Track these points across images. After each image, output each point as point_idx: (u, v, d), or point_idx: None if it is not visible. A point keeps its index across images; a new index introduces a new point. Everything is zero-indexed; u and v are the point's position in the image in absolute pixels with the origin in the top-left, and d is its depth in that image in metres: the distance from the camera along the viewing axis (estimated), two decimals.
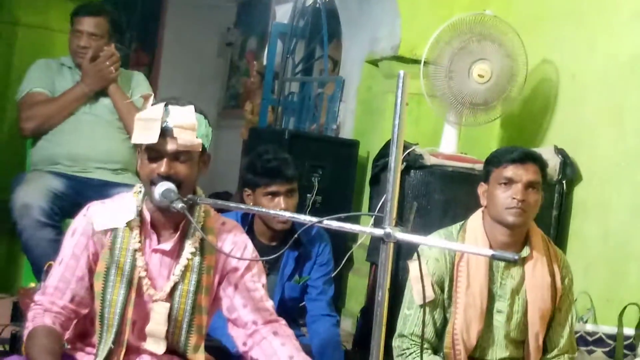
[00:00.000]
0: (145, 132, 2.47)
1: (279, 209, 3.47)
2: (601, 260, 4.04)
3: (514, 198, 2.96)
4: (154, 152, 2.50)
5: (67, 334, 2.63)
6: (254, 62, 8.69)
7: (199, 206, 2.59)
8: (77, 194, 3.87)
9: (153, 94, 2.55)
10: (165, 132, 2.48)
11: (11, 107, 4.39)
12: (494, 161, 3.05)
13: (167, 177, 2.48)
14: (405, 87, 1.95)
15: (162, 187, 2.43)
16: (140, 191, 2.62)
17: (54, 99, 4.10)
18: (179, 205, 2.40)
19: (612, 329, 3.73)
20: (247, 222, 3.64)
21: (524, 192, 2.96)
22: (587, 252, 4.13)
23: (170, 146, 2.49)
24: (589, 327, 3.75)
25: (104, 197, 2.74)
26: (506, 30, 4.35)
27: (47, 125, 4.07)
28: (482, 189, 3.10)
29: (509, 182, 2.98)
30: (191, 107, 2.54)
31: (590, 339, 3.72)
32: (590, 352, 3.70)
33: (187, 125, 2.50)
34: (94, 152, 4.09)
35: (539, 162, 3.05)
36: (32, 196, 3.77)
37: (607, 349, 3.73)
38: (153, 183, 2.51)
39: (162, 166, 2.48)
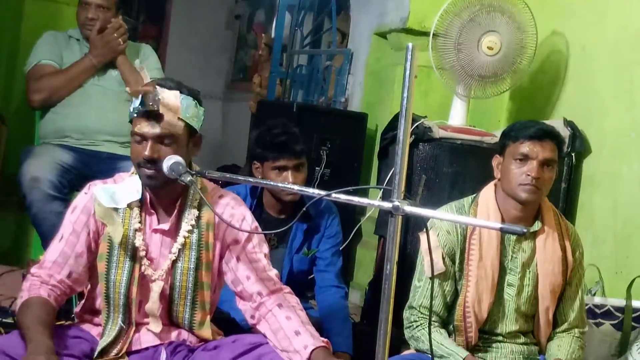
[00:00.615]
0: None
1: (286, 183, 3.47)
2: (610, 233, 4.04)
3: (528, 175, 2.94)
4: (138, 135, 2.52)
5: (77, 309, 2.66)
6: (262, 35, 8.65)
7: (196, 182, 2.60)
8: (86, 167, 3.87)
9: (144, 68, 2.55)
10: (148, 115, 2.50)
11: (20, 79, 4.38)
12: (511, 135, 3.02)
13: (151, 161, 2.50)
14: (413, 59, 1.95)
15: (171, 161, 2.45)
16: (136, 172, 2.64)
17: (61, 70, 4.10)
18: (187, 178, 2.41)
19: (621, 302, 3.73)
20: (256, 195, 3.65)
21: (539, 170, 2.94)
22: (595, 225, 4.13)
23: (153, 129, 2.50)
24: (597, 299, 3.75)
25: (113, 170, 2.77)
26: (516, 1, 4.32)
27: (55, 97, 4.07)
28: (496, 161, 3.07)
29: (525, 158, 2.95)
30: (176, 92, 2.54)
31: (598, 311, 3.72)
32: (598, 324, 3.71)
33: (172, 107, 2.50)
34: (103, 125, 4.08)
35: (556, 140, 3.03)
36: (41, 169, 3.78)
37: (616, 322, 3.73)
38: (140, 166, 2.52)
39: (147, 149, 2.50)
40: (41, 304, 2.47)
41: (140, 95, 2.48)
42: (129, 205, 2.59)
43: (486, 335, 3.08)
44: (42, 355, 2.23)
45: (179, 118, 2.53)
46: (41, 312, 2.44)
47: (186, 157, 2.56)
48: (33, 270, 2.59)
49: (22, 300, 2.49)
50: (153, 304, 2.61)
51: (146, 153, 2.50)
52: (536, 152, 2.94)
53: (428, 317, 2.97)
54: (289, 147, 3.53)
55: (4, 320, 3.29)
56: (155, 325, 2.63)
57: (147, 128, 2.51)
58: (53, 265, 2.57)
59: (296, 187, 2.54)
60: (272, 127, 3.61)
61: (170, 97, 2.51)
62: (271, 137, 3.56)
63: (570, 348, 3.07)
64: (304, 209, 2.64)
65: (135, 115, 2.53)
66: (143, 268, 2.59)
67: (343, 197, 2.09)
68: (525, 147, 2.95)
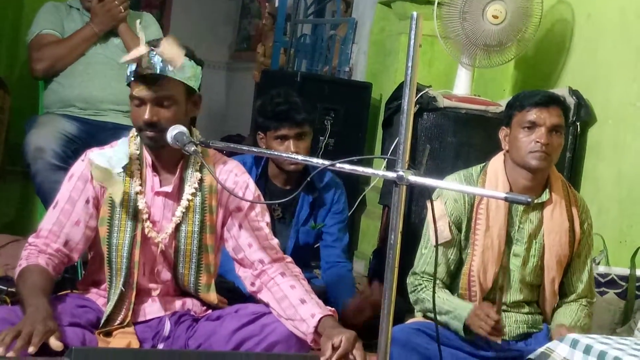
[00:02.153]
0: (134, 57, 2.48)
1: (289, 152, 3.47)
2: (614, 202, 4.04)
3: (537, 142, 2.93)
4: (137, 99, 2.52)
5: (80, 280, 2.66)
6: (265, 4, 8.61)
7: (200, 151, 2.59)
8: (90, 137, 3.87)
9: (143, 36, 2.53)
10: (146, 78, 2.50)
11: (23, 49, 4.37)
12: (517, 105, 3.01)
13: (151, 124, 2.50)
14: (418, 28, 1.93)
15: (174, 131, 2.44)
16: (137, 135, 2.64)
17: (63, 40, 4.08)
18: (192, 148, 2.41)
19: (625, 271, 3.74)
20: (261, 166, 3.65)
21: (547, 136, 2.93)
22: (600, 194, 4.13)
23: (151, 92, 2.50)
24: (602, 268, 3.76)
25: (117, 139, 2.75)
26: None
27: (58, 66, 4.06)
28: (503, 132, 3.06)
29: (533, 125, 2.95)
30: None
31: (602, 280, 3.73)
32: (602, 293, 3.72)
33: (172, 57, 2.49)
34: (107, 94, 4.08)
35: (562, 106, 3.03)
36: (45, 139, 3.78)
37: (619, 291, 3.74)
38: (140, 129, 2.52)
39: (146, 112, 2.50)
40: (39, 272, 2.47)
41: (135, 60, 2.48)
42: (129, 169, 2.59)
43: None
44: (40, 320, 2.22)
45: (176, 79, 2.52)
46: (39, 280, 2.44)
47: (185, 118, 2.56)
48: (30, 239, 2.58)
49: (20, 269, 2.49)
50: (160, 265, 2.62)
51: (145, 117, 2.50)
52: (543, 119, 2.94)
53: (432, 280, 2.97)
54: (290, 116, 3.53)
55: (10, 289, 3.30)
56: (156, 291, 2.65)
57: (144, 91, 2.51)
58: (49, 234, 2.56)
59: (300, 157, 2.53)
60: (274, 96, 3.61)
61: (170, 49, 2.49)
62: (272, 106, 3.56)
63: (576, 316, 3.08)
64: (308, 179, 2.63)
65: (132, 79, 2.53)
66: (147, 230, 2.59)
67: (347, 167, 2.09)
68: (533, 115, 2.95)
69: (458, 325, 2.93)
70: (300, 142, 3.56)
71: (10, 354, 2.09)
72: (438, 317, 2.96)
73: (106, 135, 3.73)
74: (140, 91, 2.51)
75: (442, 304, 2.97)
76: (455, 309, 2.94)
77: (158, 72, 2.49)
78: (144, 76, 2.49)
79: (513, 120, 3.01)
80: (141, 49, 2.47)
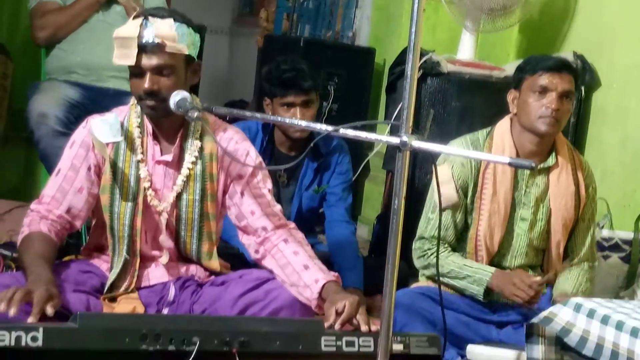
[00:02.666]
0: (124, 52, 2.50)
1: (294, 119, 3.47)
2: (618, 167, 4.03)
3: (548, 107, 2.92)
4: (136, 69, 2.51)
5: (83, 246, 2.67)
6: None
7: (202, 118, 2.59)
8: (93, 103, 3.87)
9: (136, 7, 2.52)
10: (144, 48, 2.49)
11: (25, 15, 4.35)
12: (528, 68, 3.00)
13: (151, 93, 2.49)
14: None
15: (177, 97, 2.43)
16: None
17: (65, 7, 4.07)
18: (195, 114, 2.40)
19: (628, 235, 3.74)
20: (268, 132, 3.65)
21: (558, 102, 2.93)
22: (604, 158, 4.12)
23: (150, 62, 2.49)
24: (605, 232, 3.77)
25: (119, 106, 2.75)
26: None
27: (60, 33, 4.05)
28: (512, 95, 3.05)
29: (544, 90, 2.94)
30: (170, 20, 2.52)
31: (606, 244, 3.73)
32: (606, 257, 3.73)
33: (167, 37, 2.48)
34: (109, 61, 3.99)
35: (574, 72, 3.02)
36: (48, 105, 3.78)
37: (623, 254, 3.75)
38: (140, 99, 2.52)
39: (147, 82, 2.50)
40: (41, 238, 2.48)
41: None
42: (130, 137, 2.59)
43: (496, 268, 3.10)
44: (43, 286, 2.22)
45: (174, 48, 2.51)
46: (42, 247, 2.44)
47: (185, 86, 2.55)
48: (33, 205, 2.59)
49: (22, 236, 2.50)
50: (164, 235, 2.63)
51: (145, 86, 2.49)
52: (555, 84, 2.93)
53: (438, 244, 2.98)
54: (296, 84, 3.52)
55: (14, 255, 3.31)
56: (164, 257, 2.66)
57: (144, 60, 2.49)
58: (51, 200, 2.57)
59: (303, 123, 2.53)
60: (281, 63, 3.60)
61: (165, 27, 2.49)
62: (279, 73, 3.55)
63: (578, 281, 3.10)
64: (312, 144, 2.63)
65: None
66: (149, 199, 2.59)
67: (350, 133, 2.08)
68: (545, 79, 2.94)
69: (478, 290, 2.96)
70: (307, 109, 3.56)
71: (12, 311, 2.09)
72: (455, 283, 3.00)
73: (108, 101, 3.73)
74: (140, 60, 2.49)
75: (460, 269, 2.99)
76: (476, 273, 2.97)
77: (156, 42, 2.48)
78: (142, 46, 2.48)
79: (523, 84, 2.99)
80: (134, 24, 2.47)
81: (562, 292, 3.05)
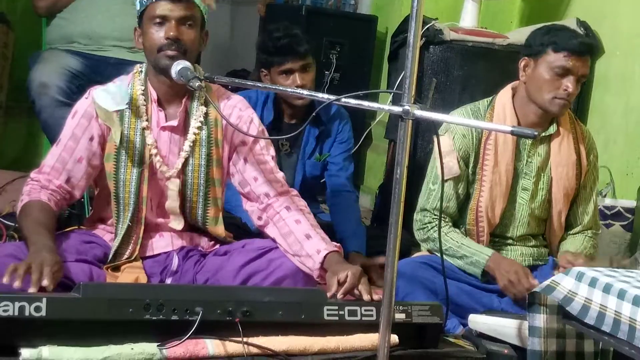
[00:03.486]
0: None
1: (295, 85, 3.47)
2: (621, 135, 4.03)
3: (565, 90, 2.90)
4: (159, 18, 2.53)
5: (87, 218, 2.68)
6: None
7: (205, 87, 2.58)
8: (94, 72, 3.86)
9: None
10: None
11: None
12: (552, 42, 2.92)
13: (175, 41, 2.51)
14: None
15: (179, 66, 2.43)
16: (141, 71, 2.63)
17: None
18: (197, 84, 2.39)
19: (631, 203, 3.75)
20: (268, 101, 3.64)
21: (575, 85, 2.91)
22: (607, 126, 4.11)
23: (177, 11, 2.52)
24: (608, 201, 3.77)
25: (121, 75, 2.74)
26: None
27: (61, 3, 4.02)
28: (524, 62, 3.00)
29: (566, 72, 2.90)
30: None
31: (608, 212, 3.74)
32: (608, 225, 3.73)
33: None
34: (110, 30, 4.04)
35: (593, 55, 3.00)
36: (50, 75, 3.76)
37: (625, 223, 3.75)
38: (161, 50, 2.51)
39: (171, 29, 2.51)
40: (41, 207, 2.48)
41: None
42: (135, 104, 2.59)
43: (497, 238, 3.10)
44: (45, 254, 2.22)
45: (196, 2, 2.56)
46: (41, 215, 2.45)
47: (199, 47, 2.61)
48: (33, 174, 2.59)
49: (22, 204, 2.50)
50: (173, 201, 2.63)
51: (171, 33, 2.51)
52: (577, 68, 2.90)
53: (440, 216, 2.98)
54: (292, 49, 3.51)
55: (16, 225, 3.31)
56: (177, 223, 2.67)
57: (169, 10, 2.52)
58: (51, 170, 2.57)
59: (305, 92, 2.52)
60: (274, 31, 3.59)
61: None
62: (274, 41, 3.54)
63: (582, 245, 3.11)
64: (314, 113, 2.63)
65: (153, 0, 2.54)
66: (158, 165, 2.59)
67: (353, 102, 2.08)
68: (570, 62, 2.89)
69: (475, 272, 2.96)
70: (306, 74, 3.55)
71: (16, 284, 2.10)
72: (452, 261, 2.99)
73: (110, 70, 3.72)
74: (165, 10, 2.52)
75: (458, 247, 2.98)
76: (473, 255, 2.96)
77: None
78: None
79: (543, 57, 2.94)
80: None
81: (565, 251, 3.05)
